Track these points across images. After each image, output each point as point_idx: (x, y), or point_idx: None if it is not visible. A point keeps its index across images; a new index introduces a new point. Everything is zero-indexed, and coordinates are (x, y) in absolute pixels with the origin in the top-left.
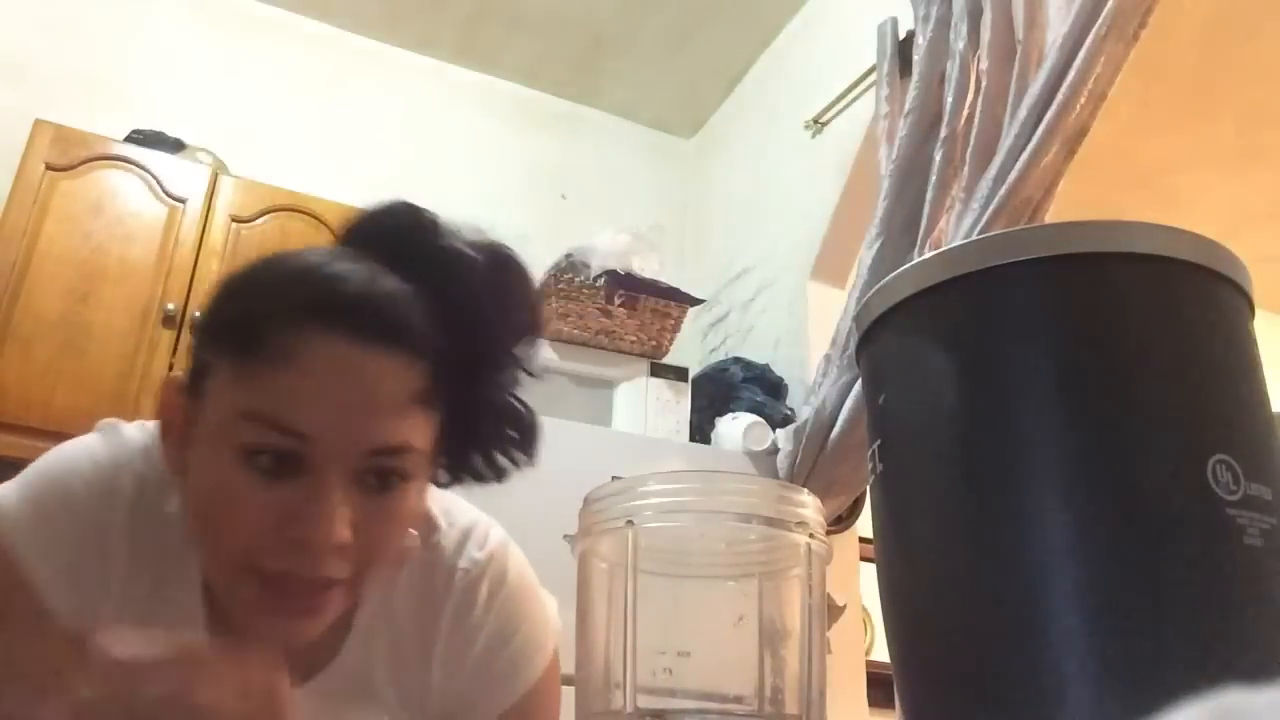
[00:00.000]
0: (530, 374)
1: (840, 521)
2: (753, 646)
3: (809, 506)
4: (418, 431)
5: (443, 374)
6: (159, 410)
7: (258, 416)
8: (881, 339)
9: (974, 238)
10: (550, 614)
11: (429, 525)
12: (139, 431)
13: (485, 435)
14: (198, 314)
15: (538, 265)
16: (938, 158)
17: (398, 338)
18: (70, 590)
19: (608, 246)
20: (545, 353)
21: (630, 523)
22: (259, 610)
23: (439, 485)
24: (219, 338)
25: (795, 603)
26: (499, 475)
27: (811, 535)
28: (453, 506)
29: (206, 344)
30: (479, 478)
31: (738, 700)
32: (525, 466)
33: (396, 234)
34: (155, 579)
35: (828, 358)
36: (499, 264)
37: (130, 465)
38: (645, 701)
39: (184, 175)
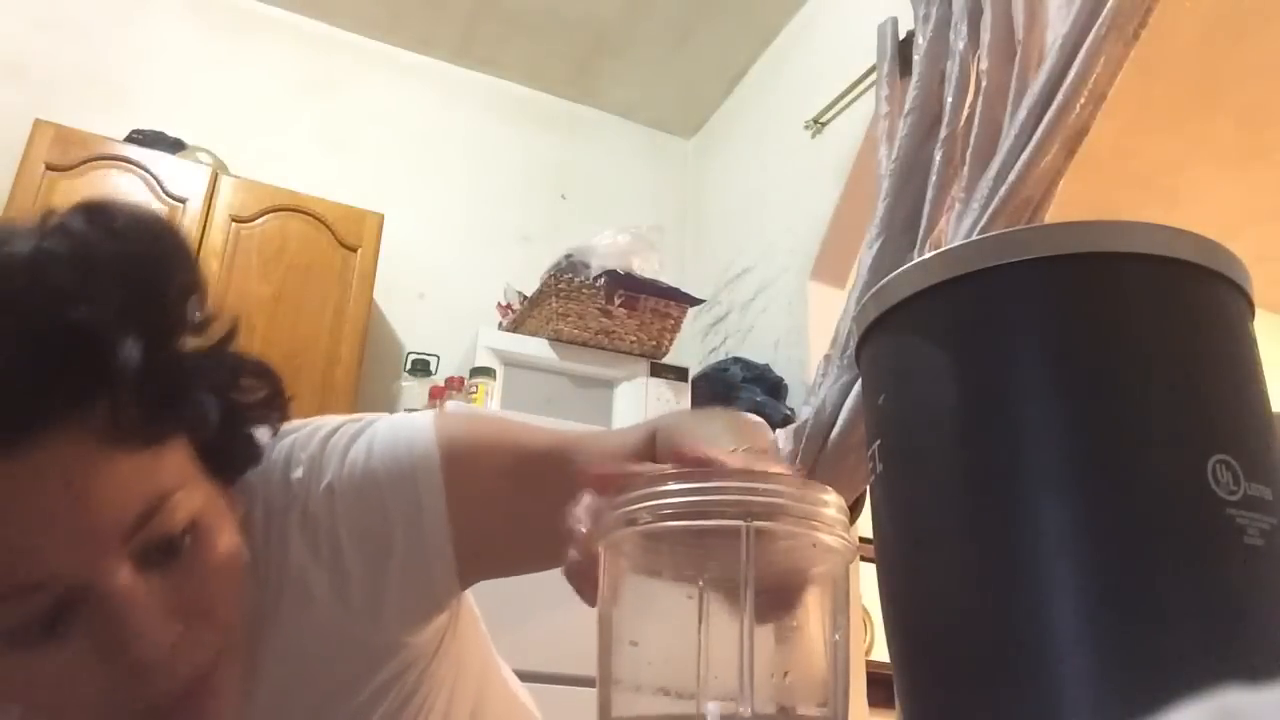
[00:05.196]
0: (203, 321)
1: None
2: (769, 649)
3: (832, 506)
4: (159, 471)
5: (136, 390)
6: None
7: None
8: (881, 339)
9: (974, 238)
10: (414, 429)
11: (257, 500)
12: None
13: (216, 412)
14: None
15: (538, 265)
16: (938, 158)
17: (58, 409)
18: None
19: (608, 246)
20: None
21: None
22: None
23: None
24: None
25: (814, 603)
26: (258, 453)
27: (832, 533)
28: (271, 455)
29: None
30: (249, 459)
31: (753, 703)
32: (279, 417)
33: None
34: None
35: (828, 358)
36: (93, 248)
37: None
38: (659, 706)
39: (184, 175)
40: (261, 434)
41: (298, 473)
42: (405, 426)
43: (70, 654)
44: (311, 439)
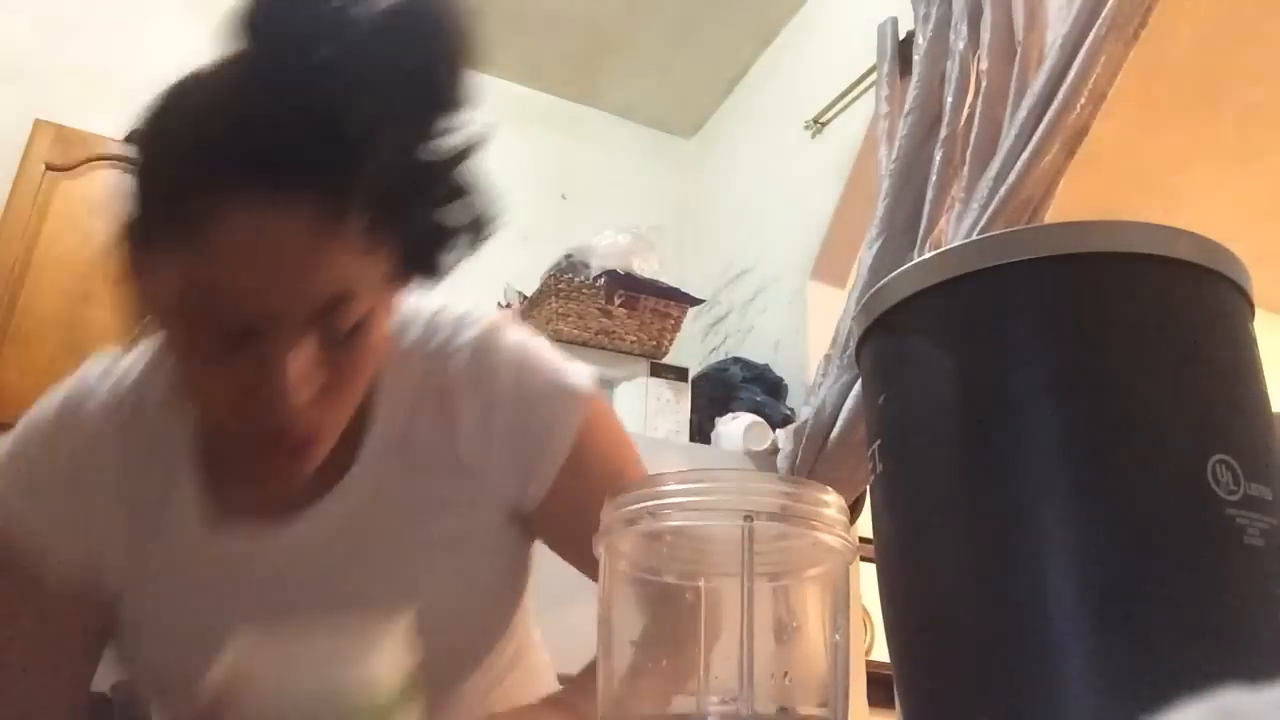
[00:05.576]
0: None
1: None
2: (769, 649)
3: (832, 505)
4: (361, 270)
5: (377, 189)
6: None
7: (191, 290)
8: (881, 339)
9: (974, 238)
10: (578, 366)
11: (416, 326)
12: (114, 348)
13: (427, 221)
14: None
15: (538, 265)
16: (938, 158)
17: (316, 179)
18: (71, 533)
19: (608, 246)
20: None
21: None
22: (250, 459)
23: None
24: (143, 206)
25: (814, 603)
26: (449, 267)
27: (832, 533)
28: (436, 304)
29: (133, 211)
30: (436, 275)
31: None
32: (479, 243)
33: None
34: (166, 470)
35: (828, 358)
36: (398, 23)
37: (100, 381)
38: (659, 705)
39: None
40: (455, 256)
41: (463, 338)
42: (569, 362)
43: (230, 374)
44: (477, 321)
